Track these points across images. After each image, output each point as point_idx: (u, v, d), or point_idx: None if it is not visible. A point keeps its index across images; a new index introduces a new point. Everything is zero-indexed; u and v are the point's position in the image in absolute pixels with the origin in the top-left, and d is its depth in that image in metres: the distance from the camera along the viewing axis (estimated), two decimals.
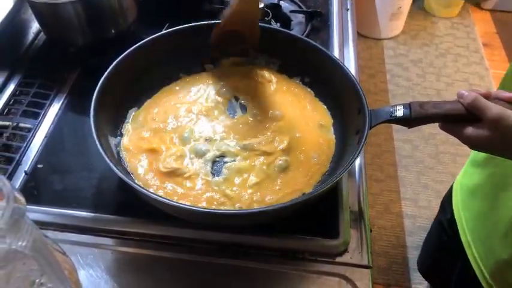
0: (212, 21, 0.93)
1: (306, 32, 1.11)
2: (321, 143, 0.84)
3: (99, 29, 0.98)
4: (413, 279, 1.78)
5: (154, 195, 0.66)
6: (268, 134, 0.84)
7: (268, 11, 1.10)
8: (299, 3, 1.19)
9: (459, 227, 0.92)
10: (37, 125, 0.89)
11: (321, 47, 0.89)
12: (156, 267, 0.72)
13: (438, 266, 1.17)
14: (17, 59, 1.03)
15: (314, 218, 0.75)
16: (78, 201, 0.78)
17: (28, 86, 0.97)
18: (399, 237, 1.92)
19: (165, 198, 0.67)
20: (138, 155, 0.80)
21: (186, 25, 0.92)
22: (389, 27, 2.82)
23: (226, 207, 0.74)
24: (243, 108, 0.91)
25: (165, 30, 0.94)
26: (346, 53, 1.08)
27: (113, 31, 1.00)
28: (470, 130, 0.63)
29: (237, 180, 0.77)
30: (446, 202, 1.03)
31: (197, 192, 0.76)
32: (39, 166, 0.83)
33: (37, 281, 0.44)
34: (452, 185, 1.02)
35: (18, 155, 0.84)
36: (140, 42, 0.87)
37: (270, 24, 1.08)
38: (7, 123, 0.89)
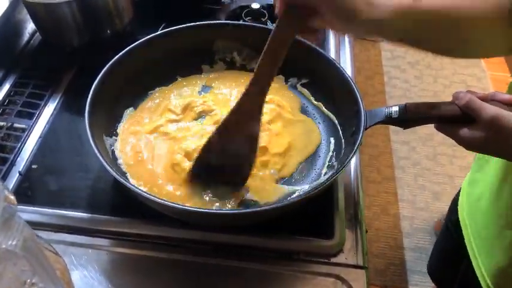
0: (208, 22, 0.93)
1: None
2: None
3: (94, 29, 0.99)
4: (410, 281, 1.78)
5: (149, 195, 0.66)
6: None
7: (264, 11, 1.10)
8: None
9: (464, 236, 0.91)
10: (32, 126, 0.89)
11: (317, 47, 0.89)
12: (151, 267, 0.72)
13: (446, 269, 1.16)
14: (12, 59, 1.02)
15: (309, 219, 0.75)
16: (73, 202, 0.78)
17: (23, 87, 0.96)
18: (396, 239, 1.92)
19: (159, 198, 0.67)
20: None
21: (182, 25, 0.92)
22: None
23: None
24: None
25: (161, 30, 0.93)
26: (342, 54, 1.08)
27: (108, 31, 1.00)
28: (465, 131, 0.63)
29: None
30: (453, 206, 1.02)
31: None
32: (34, 166, 0.83)
33: (28, 281, 0.44)
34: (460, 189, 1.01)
35: (13, 155, 0.83)
36: (136, 43, 0.87)
37: (266, 25, 1.08)
38: (1, 123, 0.89)
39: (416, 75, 2.66)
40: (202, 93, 0.93)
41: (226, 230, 0.74)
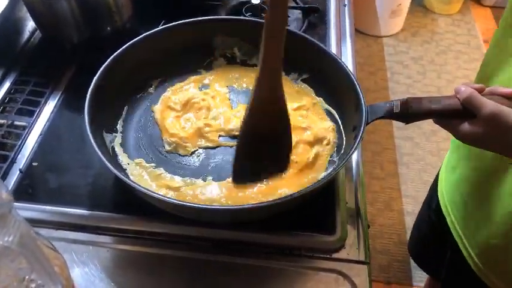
0: (208, 17, 0.93)
1: (303, 28, 1.10)
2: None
3: (94, 26, 0.98)
4: (414, 277, 1.78)
5: (149, 191, 0.66)
6: None
7: (264, 6, 1.09)
8: None
9: (447, 219, 0.92)
10: (32, 123, 0.89)
11: (318, 42, 0.88)
12: (152, 264, 0.72)
13: (428, 250, 1.18)
14: (12, 57, 1.02)
15: (311, 215, 0.75)
16: (74, 199, 0.78)
17: (23, 84, 0.96)
18: (400, 235, 1.91)
19: (159, 195, 0.67)
20: None
21: (182, 21, 0.91)
22: (389, 24, 2.81)
23: None
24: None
25: (161, 26, 0.93)
26: (344, 49, 1.07)
27: (108, 28, 1.00)
28: (465, 126, 0.63)
29: None
30: (433, 190, 1.03)
31: None
32: (34, 164, 0.83)
33: (27, 277, 0.44)
34: (438, 173, 1.02)
35: (13, 153, 0.83)
36: (135, 39, 0.86)
37: None
38: (2, 121, 0.89)
39: (419, 70, 2.65)
40: (203, 89, 0.93)
41: (227, 226, 0.74)
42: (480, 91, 0.63)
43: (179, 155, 0.82)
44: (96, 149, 0.68)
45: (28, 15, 1.03)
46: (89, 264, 0.70)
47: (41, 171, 0.82)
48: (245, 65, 0.97)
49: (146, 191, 0.66)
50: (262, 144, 0.71)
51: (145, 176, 0.78)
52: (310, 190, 0.67)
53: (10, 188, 0.79)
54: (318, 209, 0.76)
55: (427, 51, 2.77)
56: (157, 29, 0.90)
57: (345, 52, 1.07)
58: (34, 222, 0.71)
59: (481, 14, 3.05)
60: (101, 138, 0.77)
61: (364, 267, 0.71)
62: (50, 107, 0.93)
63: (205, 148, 0.83)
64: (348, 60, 1.04)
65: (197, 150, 0.83)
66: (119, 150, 0.81)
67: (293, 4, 1.17)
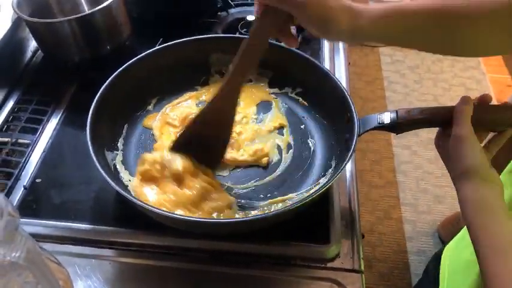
0: (205, 36, 0.96)
1: (297, 43, 1.13)
2: None
3: (95, 45, 1.01)
4: (414, 284, 1.78)
5: (149, 206, 0.68)
6: None
7: None
8: None
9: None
10: (35, 141, 0.91)
11: (309, 57, 0.91)
12: (154, 277, 0.73)
13: None
14: (15, 77, 1.05)
15: (306, 225, 0.77)
16: (76, 214, 0.80)
17: (26, 103, 0.99)
18: (400, 243, 1.92)
19: (158, 209, 0.68)
20: None
21: (178, 40, 0.94)
22: None
23: None
24: None
25: (159, 45, 0.96)
26: (337, 63, 1.10)
27: (108, 47, 1.03)
28: (441, 134, 0.67)
29: None
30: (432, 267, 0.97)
31: None
32: (38, 180, 0.85)
33: None
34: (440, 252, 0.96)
35: (17, 170, 0.86)
36: (134, 59, 0.89)
37: None
38: (6, 139, 0.91)
39: (416, 79, 2.67)
40: (200, 105, 0.95)
41: (224, 238, 0.76)
42: (484, 101, 0.66)
43: None
44: (99, 167, 0.71)
45: (30, 35, 1.06)
46: (91, 277, 0.72)
47: (45, 187, 0.84)
48: None
49: (147, 206, 0.67)
50: (200, 141, 0.78)
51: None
52: (305, 202, 0.69)
53: (15, 204, 0.81)
54: (312, 219, 0.77)
55: (423, 60, 2.80)
56: (155, 48, 0.93)
57: (338, 65, 1.09)
58: (38, 237, 0.72)
59: None
60: (103, 157, 0.79)
61: (359, 276, 0.72)
62: (52, 124, 0.95)
63: None
64: (341, 72, 1.07)
65: None
66: (120, 167, 0.83)
67: None
